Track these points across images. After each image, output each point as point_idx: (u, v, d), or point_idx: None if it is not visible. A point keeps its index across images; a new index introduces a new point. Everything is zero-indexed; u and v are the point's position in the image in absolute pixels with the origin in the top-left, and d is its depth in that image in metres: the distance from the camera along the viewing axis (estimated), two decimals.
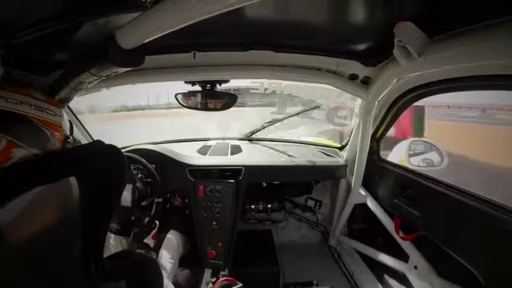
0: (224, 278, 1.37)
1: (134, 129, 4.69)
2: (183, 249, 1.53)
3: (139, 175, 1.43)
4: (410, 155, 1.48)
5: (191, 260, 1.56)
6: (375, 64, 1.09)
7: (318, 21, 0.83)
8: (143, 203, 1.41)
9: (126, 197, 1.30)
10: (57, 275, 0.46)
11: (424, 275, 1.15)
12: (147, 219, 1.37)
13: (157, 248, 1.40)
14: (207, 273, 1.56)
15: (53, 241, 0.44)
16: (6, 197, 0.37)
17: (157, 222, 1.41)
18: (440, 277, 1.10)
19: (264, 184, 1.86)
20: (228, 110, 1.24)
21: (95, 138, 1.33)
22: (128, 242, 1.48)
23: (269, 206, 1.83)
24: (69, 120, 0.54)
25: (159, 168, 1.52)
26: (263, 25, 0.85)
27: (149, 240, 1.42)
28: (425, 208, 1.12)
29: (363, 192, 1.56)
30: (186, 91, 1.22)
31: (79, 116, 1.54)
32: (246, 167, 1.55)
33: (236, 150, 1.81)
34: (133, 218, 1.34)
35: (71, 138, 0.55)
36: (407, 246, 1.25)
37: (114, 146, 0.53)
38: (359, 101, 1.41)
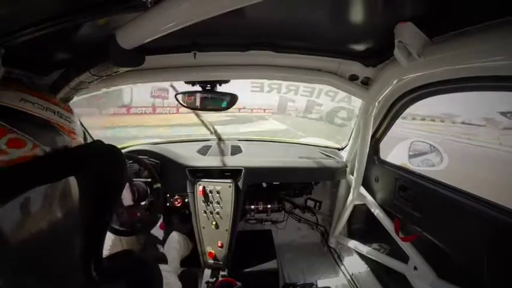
0: (224, 278, 1.37)
1: None
2: (185, 251, 1.53)
3: (139, 175, 1.43)
4: (410, 156, 1.48)
5: (191, 260, 1.56)
6: (375, 65, 1.09)
7: (318, 22, 0.83)
8: (143, 203, 1.41)
9: (126, 197, 1.30)
10: (57, 275, 0.46)
11: (424, 275, 1.15)
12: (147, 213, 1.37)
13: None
14: (207, 273, 1.56)
15: (53, 241, 0.44)
16: (5, 196, 0.37)
17: (160, 215, 1.40)
18: (440, 278, 1.10)
19: (264, 184, 1.86)
20: None
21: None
22: (129, 241, 1.48)
23: (269, 206, 1.83)
24: (82, 129, 0.54)
25: (159, 169, 1.52)
26: (263, 25, 0.85)
27: (158, 232, 1.41)
28: (425, 209, 1.12)
29: (363, 192, 1.56)
30: (185, 91, 1.22)
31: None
32: (246, 167, 1.55)
33: (236, 150, 1.81)
34: (138, 215, 1.34)
35: None
36: (407, 246, 1.25)
37: (114, 146, 0.52)
38: (359, 101, 1.41)
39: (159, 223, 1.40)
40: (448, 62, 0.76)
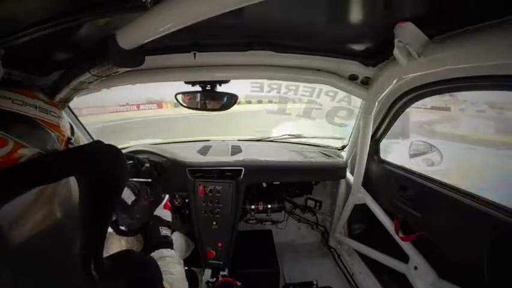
0: (224, 278, 1.37)
1: None
2: (185, 251, 1.53)
3: (139, 176, 1.43)
4: (410, 156, 1.48)
5: (192, 260, 1.56)
6: (375, 64, 1.09)
7: (318, 22, 0.83)
8: (143, 203, 1.41)
9: (126, 197, 1.30)
10: (57, 275, 0.46)
11: (424, 275, 1.15)
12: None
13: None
14: (207, 273, 1.56)
15: (53, 241, 0.44)
16: (5, 197, 0.37)
17: (164, 195, 1.37)
18: (440, 277, 1.10)
19: (264, 184, 1.87)
20: None
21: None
22: (129, 241, 1.48)
23: (269, 206, 1.83)
24: (69, 122, 0.54)
25: (159, 169, 1.52)
26: (263, 25, 0.85)
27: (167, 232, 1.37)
28: (426, 209, 1.12)
29: (363, 192, 1.56)
30: (185, 91, 1.23)
31: None
32: (246, 167, 1.55)
33: (236, 150, 1.81)
34: (138, 216, 1.33)
35: (73, 139, 0.55)
36: (407, 246, 1.25)
37: (114, 146, 0.52)
38: (359, 101, 1.42)
39: (163, 202, 1.37)
40: (448, 62, 0.76)
